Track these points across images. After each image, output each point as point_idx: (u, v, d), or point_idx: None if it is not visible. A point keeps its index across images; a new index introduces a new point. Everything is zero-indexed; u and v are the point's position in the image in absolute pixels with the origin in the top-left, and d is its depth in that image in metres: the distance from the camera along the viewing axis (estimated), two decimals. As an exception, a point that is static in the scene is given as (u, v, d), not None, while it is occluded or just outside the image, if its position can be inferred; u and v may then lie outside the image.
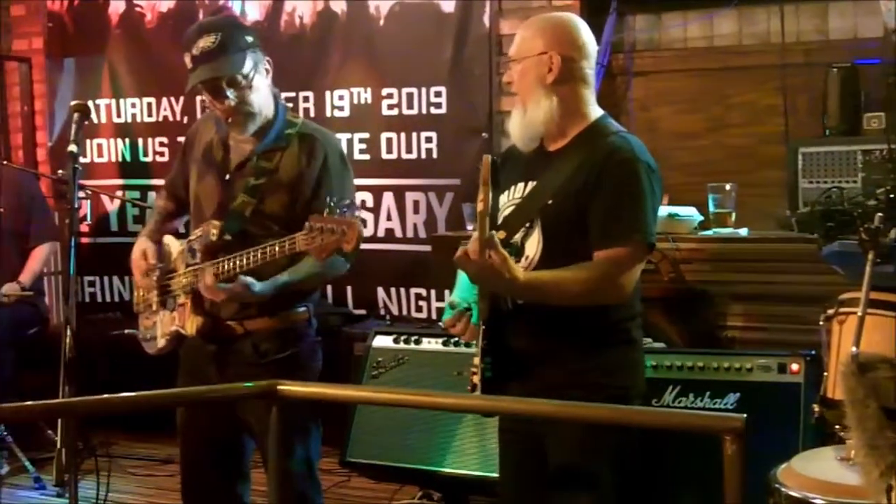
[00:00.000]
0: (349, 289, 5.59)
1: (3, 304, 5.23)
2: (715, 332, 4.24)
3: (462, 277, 2.90)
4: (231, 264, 3.03)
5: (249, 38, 3.19)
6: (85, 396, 2.63)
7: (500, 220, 2.76)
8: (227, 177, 3.24)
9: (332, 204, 2.81)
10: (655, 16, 5.09)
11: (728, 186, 4.42)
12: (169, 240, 3.39)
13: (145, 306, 3.42)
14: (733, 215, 4.42)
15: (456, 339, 3.62)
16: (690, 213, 4.46)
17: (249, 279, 3.03)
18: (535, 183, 2.78)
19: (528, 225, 2.74)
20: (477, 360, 2.71)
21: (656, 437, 3.21)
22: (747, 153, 4.86)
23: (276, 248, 2.93)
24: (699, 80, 5.00)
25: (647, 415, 2.53)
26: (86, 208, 6.20)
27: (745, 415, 2.02)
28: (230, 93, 3.12)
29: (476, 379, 2.70)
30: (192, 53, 3.14)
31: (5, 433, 5.00)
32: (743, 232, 4.41)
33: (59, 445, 2.83)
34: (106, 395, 2.44)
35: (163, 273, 3.33)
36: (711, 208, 4.44)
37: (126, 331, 3.63)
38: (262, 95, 3.18)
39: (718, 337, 4.23)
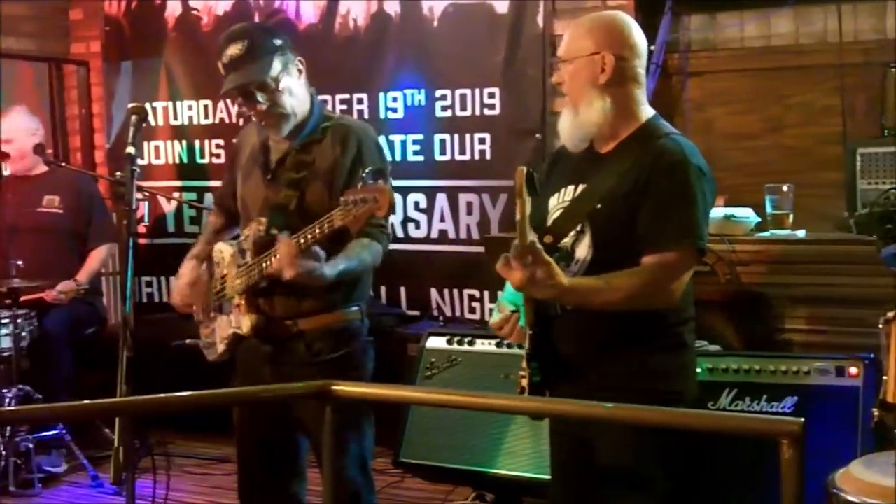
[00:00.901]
0: (403, 290, 5.60)
1: (60, 302, 5.29)
2: (772, 334, 4.20)
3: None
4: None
5: (277, 42, 3.22)
6: (142, 396, 2.65)
7: (549, 223, 2.75)
8: (270, 175, 3.28)
9: (364, 175, 2.82)
10: (711, 15, 5.05)
11: (785, 187, 4.37)
12: (221, 246, 3.41)
13: (204, 316, 3.45)
14: (791, 217, 4.37)
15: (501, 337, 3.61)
16: (747, 214, 4.42)
17: (321, 256, 3.02)
18: (584, 186, 2.75)
19: (578, 229, 2.71)
20: (525, 364, 2.70)
21: (707, 439, 3.18)
22: (804, 154, 4.81)
23: (317, 230, 2.94)
24: (755, 80, 4.95)
25: (704, 418, 2.50)
26: (143, 210, 6.28)
27: (802, 419, 2.00)
28: (261, 97, 3.17)
29: (524, 382, 2.69)
30: (222, 62, 3.20)
31: (64, 432, 5.07)
32: (800, 234, 4.36)
33: (116, 444, 2.84)
34: (162, 395, 2.45)
35: (216, 281, 3.36)
36: (769, 210, 4.39)
37: (187, 341, 3.66)
38: (294, 96, 3.22)
39: (776, 340, 4.18)
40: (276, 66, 3.18)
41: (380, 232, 3.18)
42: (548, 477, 3.10)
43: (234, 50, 3.17)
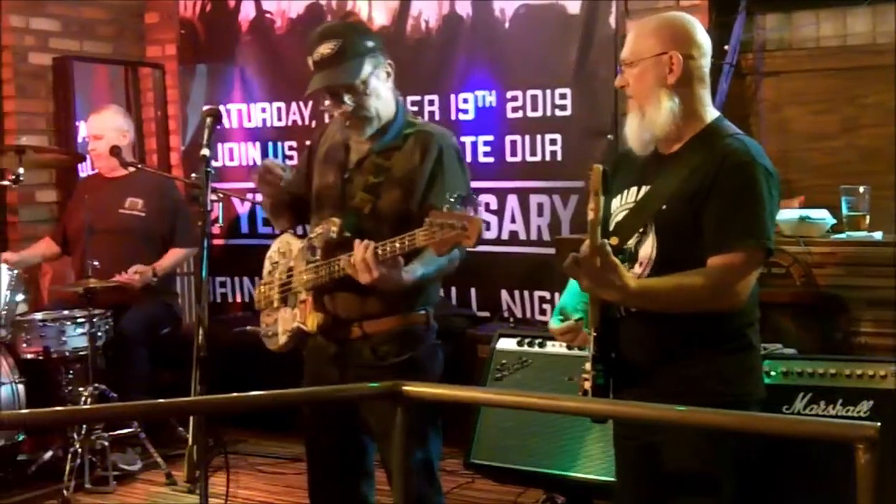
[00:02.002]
0: (473, 291, 5.60)
1: (132, 285, 5.29)
2: (848, 337, 4.13)
3: (573, 283, 2.88)
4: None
5: (370, 44, 3.21)
6: (215, 395, 2.68)
7: (611, 226, 2.73)
8: (347, 175, 3.28)
9: (451, 199, 2.81)
10: (786, 14, 4.99)
11: (862, 189, 4.29)
12: (288, 238, 3.43)
13: (266, 303, 3.47)
14: (867, 218, 4.30)
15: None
16: (823, 216, 4.35)
17: (400, 263, 3.02)
18: (648, 187, 2.73)
19: (641, 230, 2.69)
20: (588, 367, 2.69)
21: (779, 443, 3.14)
22: (881, 154, 4.73)
23: (397, 245, 2.93)
24: (831, 79, 4.88)
25: (778, 422, 2.46)
26: (217, 211, 6.32)
27: (878, 423, 1.96)
28: (347, 98, 3.16)
29: (587, 385, 2.67)
30: (312, 59, 3.19)
31: (139, 430, 5.14)
32: (877, 235, 4.28)
33: (190, 442, 2.88)
34: (235, 394, 2.48)
35: (283, 270, 3.38)
36: (844, 211, 4.32)
37: (248, 328, 3.68)
38: (380, 100, 3.21)
39: (851, 343, 4.12)
40: (367, 68, 3.17)
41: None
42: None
43: (325, 49, 3.16)
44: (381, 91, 3.21)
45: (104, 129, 5.63)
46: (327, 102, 3.23)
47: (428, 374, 3.25)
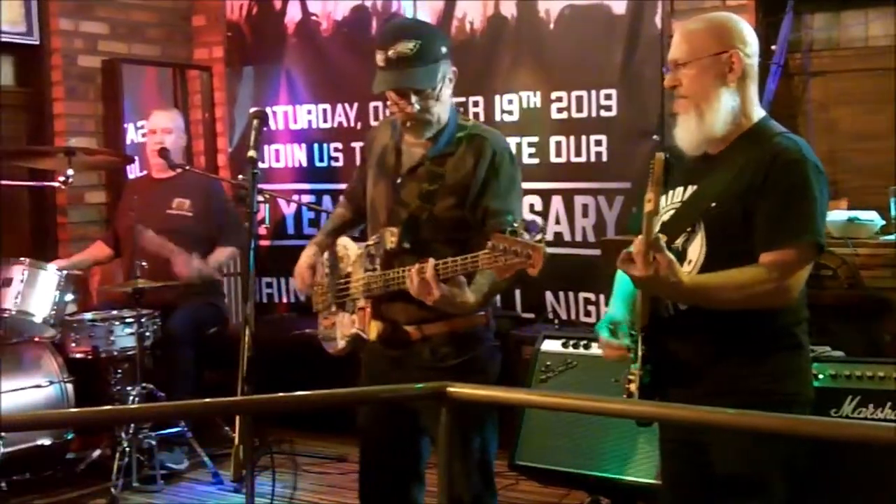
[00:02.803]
0: (518, 292, 5.59)
1: (180, 274, 5.34)
2: (897, 340, 4.09)
3: (620, 286, 2.86)
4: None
5: (444, 49, 3.18)
6: (261, 394, 2.69)
7: (658, 226, 2.72)
8: (399, 180, 3.28)
9: (514, 225, 2.79)
10: (834, 14, 4.94)
11: (912, 190, 4.25)
12: (346, 242, 3.44)
13: (324, 307, 3.48)
14: (917, 220, 4.26)
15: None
16: (871, 217, 4.31)
17: (463, 282, 3.01)
18: (695, 187, 2.72)
19: (689, 230, 2.68)
20: (634, 368, 2.67)
21: (828, 446, 3.11)
22: (932, 155, 4.67)
23: (458, 266, 2.92)
24: (881, 79, 4.83)
25: (827, 426, 2.44)
26: (264, 212, 6.34)
27: (928, 427, 1.94)
28: (416, 100, 3.13)
29: (633, 387, 2.67)
30: (387, 55, 3.11)
31: (186, 429, 5.18)
32: (928, 237, 4.24)
33: (236, 442, 2.89)
34: (281, 394, 2.49)
35: (339, 275, 3.39)
36: (893, 212, 4.28)
37: (306, 330, 3.70)
38: (442, 105, 3.19)
39: (901, 346, 4.08)
40: (440, 73, 3.15)
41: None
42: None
43: (403, 47, 3.09)
44: (444, 96, 3.20)
45: (174, 126, 5.71)
46: (390, 99, 3.20)
47: (486, 376, 3.24)
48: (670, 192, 2.76)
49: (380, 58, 3.14)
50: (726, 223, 2.64)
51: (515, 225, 2.77)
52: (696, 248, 2.66)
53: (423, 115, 3.16)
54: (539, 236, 2.76)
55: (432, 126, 3.20)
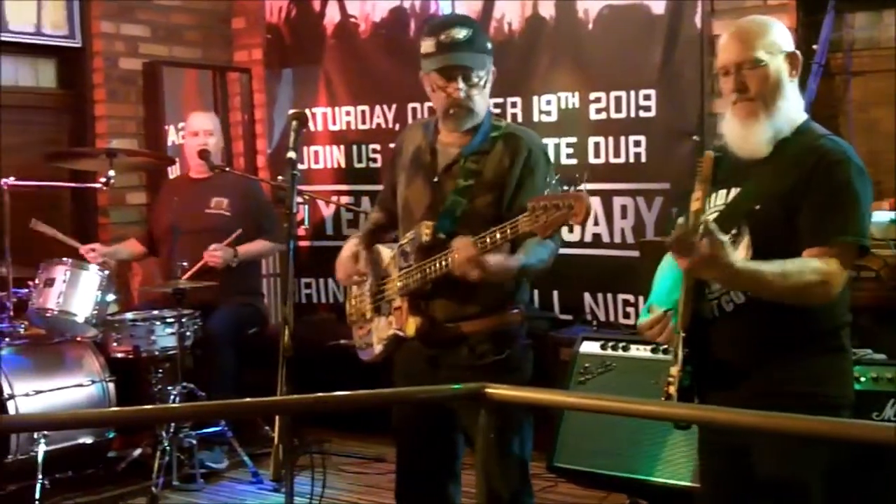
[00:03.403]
0: (556, 293, 5.58)
1: (214, 263, 5.36)
2: (940, 343, 4.04)
3: (659, 284, 2.85)
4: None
5: (490, 45, 3.30)
6: (301, 394, 2.71)
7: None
8: (436, 179, 3.29)
9: (551, 183, 2.81)
10: (875, 13, 4.89)
11: (955, 190, 4.20)
12: (379, 248, 3.46)
13: (358, 316, 3.49)
14: (961, 221, 4.20)
15: (665, 346, 3.55)
16: (914, 218, 4.26)
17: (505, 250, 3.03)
18: (738, 189, 2.71)
19: (735, 232, 2.67)
20: (674, 370, 2.66)
21: (870, 450, 3.08)
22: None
23: (498, 235, 2.95)
24: (922, 79, 4.78)
25: (867, 429, 2.42)
26: (303, 213, 6.41)
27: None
28: (462, 85, 3.20)
29: (672, 389, 2.66)
30: (439, 39, 3.22)
31: (226, 429, 5.21)
32: (971, 238, 4.18)
33: (276, 442, 2.90)
34: (321, 394, 2.50)
35: (376, 280, 3.40)
36: (937, 213, 4.23)
37: (342, 341, 3.72)
38: (483, 99, 3.27)
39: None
40: (487, 65, 3.26)
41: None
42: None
43: (458, 33, 3.20)
44: (486, 92, 3.29)
45: (214, 128, 5.80)
46: (436, 84, 3.25)
47: (521, 373, 3.28)
48: (713, 195, 2.75)
49: (430, 43, 3.23)
50: (770, 224, 2.63)
51: (553, 183, 2.79)
52: (741, 250, 2.65)
53: (467, 102, 3.22)
54: (581, 186, 2.77)
55: (472, 116, 3.25)
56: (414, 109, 6.04)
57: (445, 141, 3.32)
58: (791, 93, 2.71)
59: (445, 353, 3.26)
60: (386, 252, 3.40)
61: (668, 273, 2.82)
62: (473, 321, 3.23)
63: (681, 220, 2.53)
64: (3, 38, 5.92)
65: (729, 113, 2.75)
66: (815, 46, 4.69)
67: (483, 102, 3.27)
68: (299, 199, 3.62)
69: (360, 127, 6.30)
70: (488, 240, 2.96)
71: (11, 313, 4.95)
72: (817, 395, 2.61)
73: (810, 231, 2.59)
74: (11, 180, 4.94)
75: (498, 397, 2.45)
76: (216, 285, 5.30)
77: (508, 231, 2.92)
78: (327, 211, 6.45)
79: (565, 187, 2.78)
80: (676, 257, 2.55)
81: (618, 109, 5.35)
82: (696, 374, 2.65)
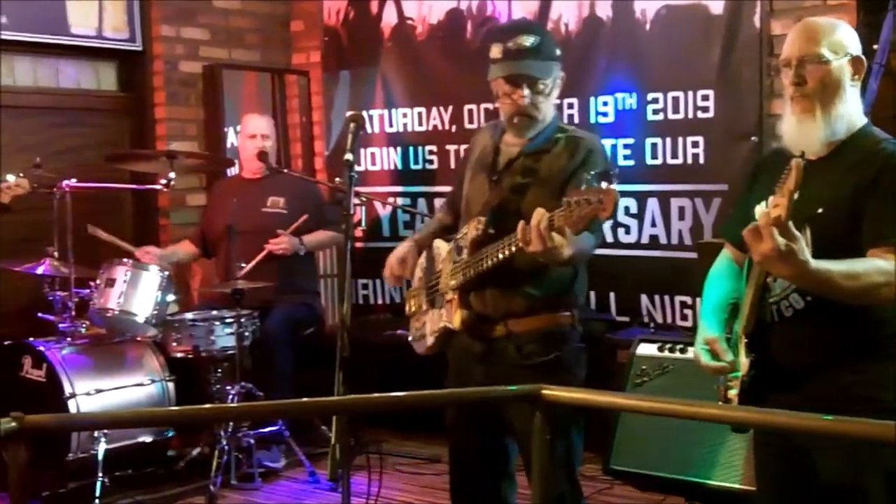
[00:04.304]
0: (612, 295, 5.56)
1: (280, 251, 5.43)
2: None
3: (709, 297, 2.83)
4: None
5: (558, 52, 3.30)
6: (357, 395, 2.72)
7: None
8: (496, 177, 3.30)
9: (588, 177, 2.80)
10: (939, 11, 4.80)
11: None
12: (438, 242, 3.47)
13: (416, 308, 3.51)
14: None
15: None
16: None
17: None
18: (798, 192, 2.68)
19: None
20: (733, 374, 2.64)
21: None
22: None
23: (553, 220, 2.93)
24: None
25: (824, 423, 2.38)
26: (360, 214, 6.44)
27: None
28: (527, 92, 3.21)
29: (731, 393, 2.65)
30: (506, 45, 3.22)
31: (283, 428, 5.25)
32: None
33: (333, 442, 2.92)
34: (377, 394, 2.51)
35: (431, 275, 3.42)
36: None
37: (398, 331, 3.74)
38: (549, 106, 3.28)
39: None
40: (554, 72, 3.26)
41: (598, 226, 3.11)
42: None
43: (525, 40, 3.20)
44: (552, 98, 3.29)
45: (271, 131, 5.86)
46: (502, 91, 3.25)
47: (572, 377, 3.26)
48: (770, 199, 2.72)
49: (497, 50, 3.23)
50: (833, 227, 2.60)
51: (589, 177, 2.77)
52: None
53: (531, 110, 3.22)
54: (612, 182, 2.75)
55: (537, 124, 3.26)
56: (470, 111, 6.04)
57: (509, 141, 3.35)
58: (851, 96, 2.67)
59: (493, 351, 3.27)
60: (444, 246, 3.41)
61: (720, 279, 2.82)
62: (521, 319, 3.23)
63: (759, 207, 2.50)
64: (65, 42, 6.02)
65: (788, 110, 2.73)
66: (875, 46, 4.62)
67: (549, 109, 3.28)
68: (356, 201, 3.64)
69: (417, 129, 6.32)
70: (556, 218, 2.90)
71: (73, 313, 5.03)
72: (882, 400, 2.57)
73: (874, 233, 2.56)
74: (73, 182, 5.01)
75: (554, 399, 2.45)
76: (273, 286, 5.35)
77: (544, 224, 2.90)
78: (384, 212, 6.48)
79: (597, 183, 2.76)
80: (751, 247, 2.52)
81: (675, 110, 5.32)
82: (757, 377, 2.63)
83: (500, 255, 3.10)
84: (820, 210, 2.62)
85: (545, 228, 2.91)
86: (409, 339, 3.56)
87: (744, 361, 2.65)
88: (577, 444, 3.32)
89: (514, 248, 3.04)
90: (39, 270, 4.99)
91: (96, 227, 5.29)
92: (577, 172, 3.16)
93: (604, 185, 2.73)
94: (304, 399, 2.87)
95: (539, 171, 3.24)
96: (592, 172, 2.81)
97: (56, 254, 5.00)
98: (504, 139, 3.35)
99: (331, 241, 5.86)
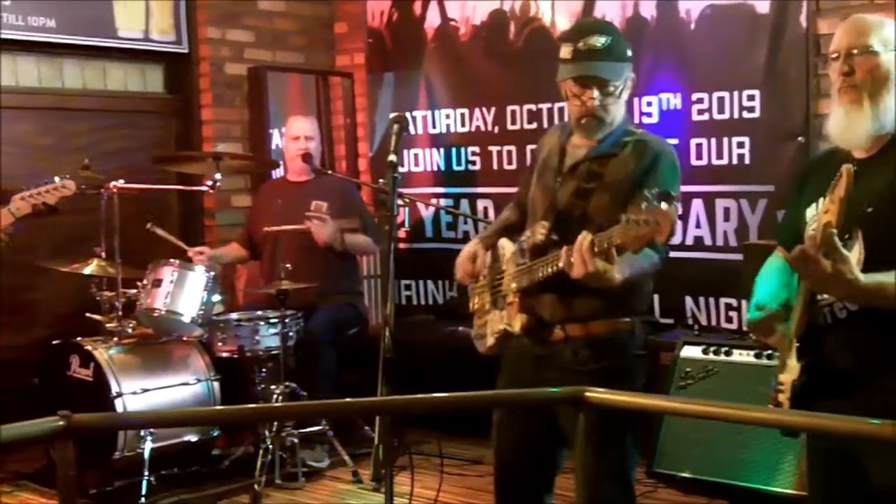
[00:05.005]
0: (656, 297, 5.52)
1: (321, 239, 5.48)
2: None
3: (763, 285, 2.80)
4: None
5: (629, 53, 3.24)
6: (400, 395, 2.72)
7: (808, 235, 2.65)
8: (560, 179, 3.28)
9: (649, 195, 2.77)
10: None
11: None
12: (504, 241, 3.44)
13: (479, 306, 3.50)
14: None
15: (769, 351, 3.49)
16: None
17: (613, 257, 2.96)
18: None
19: (846, 237, 2.62)
20: (784, 377, 2.62)
21: None
22: None
23: (605, 243, 2.89)
24: None
25: (822, 421, 2.35)
26: (403, 215, 6.46)
27: None
28: (597, 93, 3.16)
29: (782, 397, 2.61)
30: (576, 46, 3.16)
31: (327, 428, 5.27)
32: None
33: (376, 442, 2.93)
34: (420, 395, 2.51)
35: (495, 274, 3.41)
36: None
37: (459, 328, 3.73)
38: (619, 107, 3.23)
39: None
40: (624, 74, 3.21)
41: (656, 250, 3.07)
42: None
43: (595, 41, 3.15)
44: (622, 100, 3.24)
45: (315, 132, 5.89)
46: (570, 91, 3.21)
47: (629, 384, 3.16)
48: (820, 200, 2.69)
49: (567, 50, 3.18)
50: (885, 226, 2.57)
51: (650, 196, 2.74)
52: (855, 255, 2.59)
53: (600, 112, 3.18)
54: (673, 204, 2.72)
55: (605, 126, 3.21)
56: (513, 112, 6.04)
57: (576, 143, 3.30)
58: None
59: (549, 355, 3.23)
60: (509, 246, 3.38)
61: (773, 274, 2.78)
62: (579, 325, 3.18)
63: (809, 210, 2.47)
64: (113, 45, 6.09)
65: (835, 103, 2.71)
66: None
67: (618, 111, 3.22)
68: (400, 202, 3.65)
69: (460, 130, 6.33)
70: (602, 241, 2.89)
71: (120, 313, 5.08)
72: None
73: None
74: (120, 183, 5.06)
75: (597, 401, 2.44)
76: (317, 287, 5.37)
77: (605, 240, 2.88)
78: (426, 213, 6.49)
79: (657, 203, 2.73)
80: (799, 272, 2.50)
81: (720, 110, 5.28)
82: (809, 381, 2.60)
83: (550, 269, 3.08)
84: (869, 209, 2.59)
85: (587, 251, 2.90)
86: (472, 336, 3.55)
87: (795, 366, 2.62)
88: (631, 452, 3.24)
89: (558, 266, 3.02)
90: (87, 271, 5.05)
91: (155, 225, 5.34)
92: (644, 179, 3.12)
93: (663, 205, 2.71)
94: (348, 399, 2.89)
95: (604, 175, 3.19)
96: (654, 191, 2.77)
97: (104, 254, 5.06)
98: (571, 140, 3.30)
99: (366, 248, 5.88)
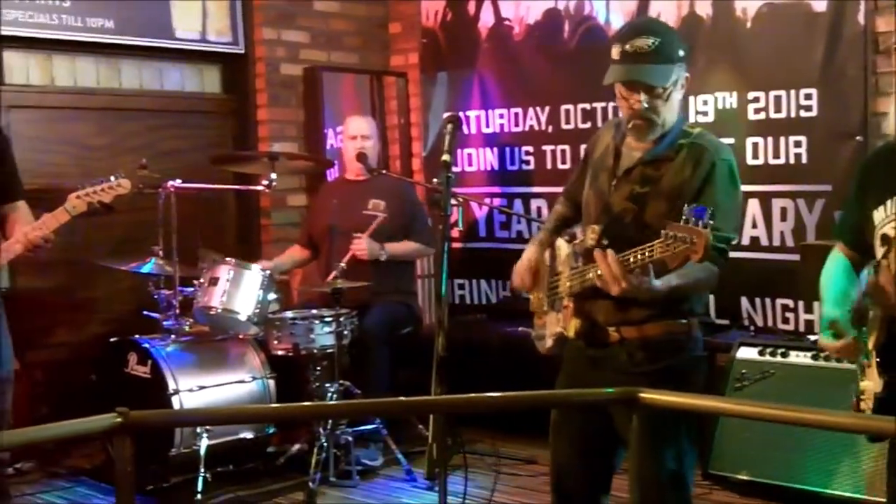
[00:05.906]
0: (712, 298, 5.48)
1: (360, 253, 5.47)
2: None
3: (830, 289, 2.77)
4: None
5: (682, 52, 3.16)
6: (455, 394, 2.73)
7: (878, 239, 2.61)
8: (614, 182, 3.23)
9: (687, 210, 2.74)
10: None
11: None
12: (560, 242, 3.43)
13: (538, 306, 3.49)
14: None
15: (827, 354, 3.43)
16: None
17: (650, 269, 2.92)
18: None
19: None
20: (865, 386, 2.58)
21: None
22: None
23: (638, 256, 2.87)
24: None
25: (825, 418, 2.31)
26: (457, 215, 6.44)
27: None
28: (644, 97, 3.09)
29: (864, 405, 2.58)
30: (623, 48, 3.10)
31: (381, 427, 5.29)
32: None
33: (430, 441, 2.93)
34: (474, 395, 2.52)
35: (552, 275, 3.40)
36: None
37: (520, 328, 3.72)
38: (670, 108, 3.15)
39: None
40: (673, 76, 3.12)
41: (718, 253, 2.98)
42: (868, 497, 2.96)
43: (642, 43, 3.07)
44: (675, 101, 3.16)
45: (372, 132, 5.92)
46: (619, 92, 3.17)
47: (687, 385, 3.09)
48: (889, 202, 2.63)
49: (616, 52, 3.12)
50: None
51: (686, 211, 2.71)
52: None
53: (648, 114, 3.11)
54: (708, 221, 2.69)
55: (656, 128, 3.14)
56: (567, 111, 6.03)
57: (632, 144, 3.24)
58: None
59: (605, 357, 3.21)
60: (564, 248, 3.36)
61: (839, 277, 2.75)
62: (634, 327, 3.15)
63: (877, 213, 2.42)
64: (170, 46, 6.16)
65: None
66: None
67: (669, 112, 3.14)
68: (453, 202, 3.65)
69: (513, 129, 6.33)
70: (631, 259, 2.88)
71: (177, 311, 5.14)
72: None
73: None
74: (177, 182, 5.12)
75: (651, 402, 2.43)
76: (371, 285, 5.39)
77: (647, 255, 2.84)
78: (480, 213, 6.49)
79: (695, 219, 2.70)
80: (877, 303, 2.47)
81: (777, 109, 5.23)
82: (891, 393, 2.56)
83: (594, 277, 3.07)
84: None
85: (617, 269, 2.88)
86: (532, 336, 3.54)
87: (878, 380, 2.57)
88: (688, 454, 3.18)
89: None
90: (145, 269, 5.12)
91: (208, 250, 5.39)
92: (702, 193, 3.06)
93: (700, 224, 2.68)
94: (402, 398, 2.89)
95: (659, 181, 3.14)
96: (693, 205, 2.74)
97: (161, 253, 5.13)
98: (626, 141, 3.24)
99: (415, 254, 5.89)
